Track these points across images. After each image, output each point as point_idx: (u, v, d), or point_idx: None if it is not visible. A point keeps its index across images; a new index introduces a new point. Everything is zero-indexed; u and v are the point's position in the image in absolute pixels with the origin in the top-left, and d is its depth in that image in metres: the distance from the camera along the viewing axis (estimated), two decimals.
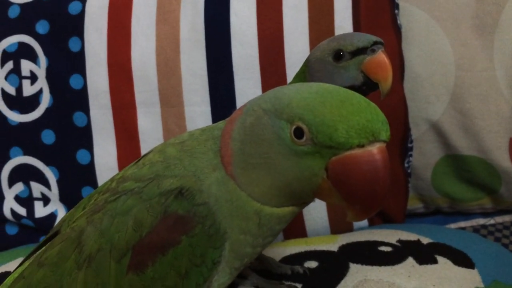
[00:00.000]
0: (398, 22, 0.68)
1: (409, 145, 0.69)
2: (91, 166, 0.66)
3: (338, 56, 0.45)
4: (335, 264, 0.53)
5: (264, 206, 0.36)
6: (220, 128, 0.39)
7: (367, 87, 0.46)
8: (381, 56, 0.45)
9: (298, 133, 0.32)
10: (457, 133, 0.73)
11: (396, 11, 0.68)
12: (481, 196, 0.77)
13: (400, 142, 0.67)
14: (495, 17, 0.71)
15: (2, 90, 0.67)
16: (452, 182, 0.76)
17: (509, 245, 0.76)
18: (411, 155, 0.71)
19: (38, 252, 0.41)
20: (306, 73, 0.48)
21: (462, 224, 0.80)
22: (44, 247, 0.41)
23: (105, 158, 0.66)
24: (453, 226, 0.81)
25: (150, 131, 0.65)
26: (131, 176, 0.39)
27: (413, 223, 0.80)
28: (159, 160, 0.39)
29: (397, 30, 0.67)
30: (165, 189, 0.37)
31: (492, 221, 0.79)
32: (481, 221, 0.80)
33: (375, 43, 0.45)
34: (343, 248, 0.57)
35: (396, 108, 0.66)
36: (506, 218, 0.79)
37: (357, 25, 0.64)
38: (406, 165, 0.69)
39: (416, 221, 0.83)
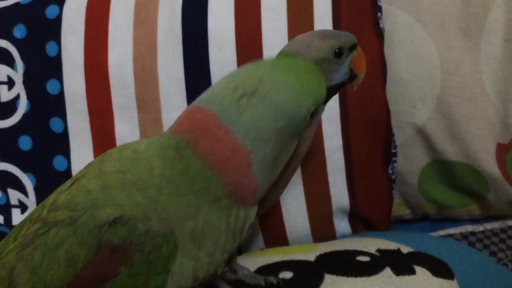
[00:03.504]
0: (381, 25, 0.67)
1: (393, 150, 0.68)
2: (68, 173, 0.65)
3: (340, 53, 0.46)
4: (310, 274, 0.52)
5: (249, 210, 0.36)
6: (176, 148, 0.35)
7: (349, 81, 0.48)
8: (361, 51, 0.48)
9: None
10: (443, 138, 0.71)
11: (379, 14, 0.67)
12: (468, 203, 0.76)
13: (383, 147, 0.66)
14: (482, 19, 0.69)
15: None
16: (439, 188, 0.75)
17: (497, 253, 0.75)
18: (395, 161, 0.69)
19: None
20: None
21: (451, 231, 0.79)
22: None
23: (82, 165, 0.64)
24: (441, 233, 0.79)
25: (127, 137, 0.64)
26: (64, 203, 0.36)
27: (398, 230, 0.79)
28: (96, 188, 0.36)
29: (379, 33, 0.65)
30: (101, 220, 0.34)
31: (481, 228, 0.78)
32: (470, 228, 0.78)
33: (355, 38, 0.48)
34: (320, 257, 0.56)
35: (378, 113, 0.64)
36: (495, 225, 0.77)
37: (337, 28, 0.62)
38: (390, 171, 0.68)
39: (403, 228, 0.81)
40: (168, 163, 0.35)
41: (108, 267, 0.33)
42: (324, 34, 0.47)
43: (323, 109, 0.49)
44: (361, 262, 0.54)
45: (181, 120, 0.36)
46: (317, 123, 0.49)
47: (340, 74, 0.47)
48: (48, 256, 0.34)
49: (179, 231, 0.35)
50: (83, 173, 0.39)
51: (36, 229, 0.36)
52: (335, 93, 0.49)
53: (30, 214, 0.40)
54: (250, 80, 0.35)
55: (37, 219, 0.37)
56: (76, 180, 0.38)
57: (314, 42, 0.46)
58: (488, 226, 0.78)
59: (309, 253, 0.57)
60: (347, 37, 0.47)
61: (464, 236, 0.78)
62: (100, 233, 0.34)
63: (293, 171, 0.51)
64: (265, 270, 0.54)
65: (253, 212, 0.38)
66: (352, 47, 0.47)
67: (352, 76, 0.48)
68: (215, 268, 0.38)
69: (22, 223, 0.40)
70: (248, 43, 0.62)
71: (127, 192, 0.35)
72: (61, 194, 0.38)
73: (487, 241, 0.76)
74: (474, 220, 0.79)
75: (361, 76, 0.48)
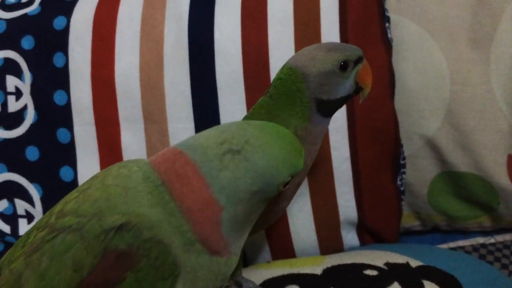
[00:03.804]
0: (389, 35, 0.66)
1: (402, 161, 0.67)
2: (74, 184, 0.65)
3: (345, 66, 0.46)
4: None
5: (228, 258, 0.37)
6: (155, 184, 0.36)
7: (354, 94, 0.48)
8: (367, 64, 0.48)
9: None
10: (453, 149, 0.70)
11: (387, 25, 0.66)
12: (479, 214, 0.74)
13: (391, 158, 0.65)
14: (491, 30, 0.68)
15: None
16: (449, 199, 0.74)
17: (509, 265, 0.74)
18: (404, 172, 0.68)
19: None
20: (304, 91, 0.46)
21: (461, 243, 0.78)
22: None
23: (88, 175, 0.64)
24: (452, 245, 0.78)
25: (133, 148, 0.64)
26: (71, 211, 0.37)
27: (408, 242, 0.78)
28: (101, 198, 0.37)
29: (387, 44, 0.65)
30: (108, 226, 0.35)
31: (492, 240, 0.76)
32: (481, 240, 0.77)
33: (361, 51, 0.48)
34: (327, 271, 0.55)
35: (386, 123, 0.63)
36: (506, 237, 0.76)
37: (345, 40, 0.62)
38: (399, 182, 0.67)
39: (413, 240, 0.80)
40: (150, 193, 0.36)
41: (114, 273, 0.34)
42: (329, 47, 0.46)
43: (329, 122, 0.49)
44: (368, 276, 0.53)
45: (162, 158, 0.37)
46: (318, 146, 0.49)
47: (345, 87, 0.46)
48: (55, 261, 0.35)
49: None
50: (88, 184, 0.40)
51: (44, 235, 0.37)
52: (341, 106, 0.48)
53: (38, 222, 0.40)
54: (237, 139, 0.36)
55: (45, 225, 0.38)
56: (82, 191, 0.39)
57: (319, 55, 0.46)
58: (499, 238, 0.76)
59: (316, 266, 0.56)
60: (352, 50, 0.46)
61: (475, 249, 0.77)
62: (107, 239, 0.34)
63: (299, 185, 0.50)
64: (270, 283, 0.53)
65: (234, 259, 0.38)
66: (358, 60, 0.47)
67: (358, 89, 0.48)
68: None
69: (30, 231, 0.40)
70: (255, 55, 0.62)
71: (129, 205, 0.36)
72: (68, 203, 0.38)
73: (498, 254, 0.75)
74: (485, 232, 0.77)
75: (367, 89, 0.48)
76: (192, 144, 0.37)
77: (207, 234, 0.36)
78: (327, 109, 0.47)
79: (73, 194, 0.40)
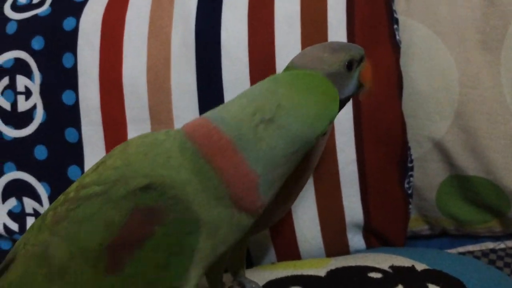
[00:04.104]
0: (397, 37, 0.65)
1: (409, 164, 0.67)
2: None
3: (350, 66, 0.46)
4: None
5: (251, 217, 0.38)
6: (193, 153, 0.37)
7: (356, 92, 0.48)
8: (369, 62, 0.48)
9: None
10: (462, 152, 0.70)
11: (396, 26, 0.66)
12: (489, 219, 0.73)
13: (398, 161, 0.64)
14: (502, 32, 0.67)
15: None
16: (457, 203, 0.73)
17: None
18: (411, 175, 0.68)
19: None
20: None
21: (470, 248, 0.77)
22: (3, 276, 0.39)
23: None
24: (461, 249, 0.77)
25: None
26: (92, 181, 0.38)
27: (415, 247, 0.77)
28: (122, 165, 0.38)
29: (395, 45, 0.64)
30: (133, 187, 0.36)
31: (502, 245, 0.75)
32: (491, 245, 0.76)
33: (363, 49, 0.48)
34: (331, 273, 0.54)
35: (393, 126, 0.63)
36: None
37: (352, 41, 0.62)
38: (406, 185, 0.67)
39: (421, 244, 0.80)
40: (185, 160, 0.37)
41: (143, 228, 0.35)
42: (333, 47, 0.46)
43: (333, 121, 0.49)
44: (372, 279, 0.52)
45: (197, 132, 0.38)
46: (327, 137, 0.48)
47: (350, 87, 0.47)
48: (84, 225, 0.36)
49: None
50: (105, 158, 0.41)
51: (67, 207, 0.37)
52: (343, 106, 0.48)
53: (52, 205, 0.41)
54: (268, 105, 0.36)
55: (63, 202, 0.39)
56: (101, 163, 0.40)
57: (325, 56, 0.45)
58: (510, 243, 0.75)
59: (320, 268, 0.56)
60: (356, 50, 0.46)
61: (484, 254, 0.76)
62: (134, 197, 0.35)
63: (301, 188, 0.50)
64: (274, 285, 0.53)
65: (253, 219, 0.40)
66: (361, 59, 0.47)
67: (359, 87, 0.48)
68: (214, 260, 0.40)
69: (44, 214, 0.40)
70: (261, 55, 0.62)
71: (151, 167, 0.37)
72: (85, 178, 0.39)
73: (508, 259, 0.74)
74: (495, 237, 0.76)
75: (367, 86, 0.48)
76: (224, 117, 0.37)
77: (244, 197, 0.37)
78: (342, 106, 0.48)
79: (89, 170, 0.41)
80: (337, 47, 0.46)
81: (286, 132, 0.36)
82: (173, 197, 0.36)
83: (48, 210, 0.41)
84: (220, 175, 0.36)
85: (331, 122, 0.38)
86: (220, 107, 0.39)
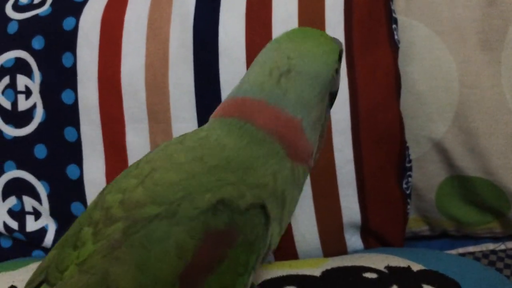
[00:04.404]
0: (396, 37, 0.65)
1: (407, 164, 0.66)
2: (80, 181, 0.66)
3: (340, 59, 0.47)
4: None
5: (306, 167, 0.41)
6: (238, 125, 0.38)
7: None
8: None
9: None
10: (462, 153, 0.69)
11: (394, 26, 0.65)
12: (489, 220, 0.73)
13: (396, 161, 0.64)
14: (502, 32, 0.67)
15: None
16: (457, 204, 0.73)
17: None
18: (410, 175, 0.67)
19: None
20: None
21: (471, 248, 0.76)
22: None
23: (94, 174, 0.65)
24: (461, 250, 0.77)
25: (137, 147, 0.64)
26: (146, 199, 0.35)
27: (415, 247, 0.76)
28: (181, 179, 0.36)
29: (393, 45, 0.64)
30: (202, 207, 0.35)
31: (502, 247, 0.75)
32: (491, 246, 0.75)
33: None
34: (326, 273, 0.54)
35: (391, 126, 0.63)
36: None
37: (350, 41, 0.62)
38: (404, 185, 0.66)
39: (421, 244, 0.79)
40: (235, 137, 0.38)
41: (216, 252, 0.34)
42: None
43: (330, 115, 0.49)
44: (367, 279, 0.52)
45: (225, 110, 0.40)
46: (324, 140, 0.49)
47: (339, 79, 0.47)
48: (154, 251, 0.33)
49: (267, 197, 0.37)
50: (148, 168, 0.38)
51: (123, 229, 0.35)
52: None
53: (83, 220, 0.38)
54: (279, 61, 0.39)
55: (107, 220, 0.36)
56: (146, 176, 0.38)
57: None
58: (510, 244, 0.75)
59: (316, 268, 0.56)
60: (340, 43, 0.46)
61: (485, 255, 0.75)
62: (206, 220, 0.34)
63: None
64: (269, 284, 0.53)
65: (309, 170, 0.41)
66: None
67: None
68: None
69: (76, 230, 0.38)
70: None
71: (216, 176, 0.36)
72: (131, 192, 0.37)
73: (508, 261, 0.73)
74: (495, 238, 0.76)
75: None
76: (244, 87, 0.39)
77: (296, 144, 0.38)
78: (333, 101, 0.48)
79: (128, 181, 0.38)
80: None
81: (305, 75, 0.38)
82: (244, 213, 0.35)
83: (80, 225, 0.38)
84: (268, 131, 0.37)
85: (340, 60, 0.41)
86: (238, 84, 0.41)
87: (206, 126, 0.41)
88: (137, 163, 0.41)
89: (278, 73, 0.38)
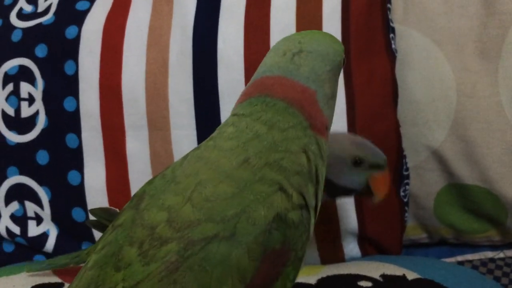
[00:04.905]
0: (393, 46, 0.66)
1: (405, 172, 0.67)
2: (81, 187, 0.67)
3: (358, 163, 0.51)
4: None
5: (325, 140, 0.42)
6: (259, 100, 0.40)
7: (363, 193, 0.52)
8: (387, 175, 0.52)
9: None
10: (459, 161, 0.70)
11: (392, 35, 0.66)
12: (487, 228, 0.73)
13: (394, 169, 0.65)
14: (499, 41, 0.67)
15: (3, 111, 0.69)
16: (455, 212, 0.73)
17: None
18: (407, 183, 0.68)
19: None
20: None
21: (469, 256, 0.76)
22: None
23: (94, 180, 0.66)
24: (459, 258, 0.77)
25: (137, 154, 0.65)
26: (199, 218, 0.34)
27: (413, 255, 0.77)
28: (234, 192, 0.35)
29: (391, 54, 0.65)
30: (260, 225, 0.34)
31: (501, 255, 0.75)
32: (490, 254, 0.75)
33: (385, 161, 0.53)
34: (321, 281, 0.55)
35: (388, 134, 0.63)
36: None
37: (347, 49, 0.62)
38: (402, 193, 0.67)
39: (420, 252, 0.79)
40: (260, 113, 0.39)
41: (273, 272, 0.34)
42: (359, 142, 0.51)
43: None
44: (362, 287, 0.53)
45: (246, 93, 0.42)
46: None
47: (351, 180, 0.50)
48: (215, 274, 0.32)
49: (305, 184, 0.38)
50: (195, 182, 0.36)
51: (177, 250, 0.33)
52: (343, 195, 0.52)
53: (121, 237, 0.36)
54: (292, 45, 0.43)
55: (156, 239, 0.34)
56: (193, 190, 0.36)
57: (344, 141, 0.52)
58: (509, 253, 0.75)
59: (311, 276, 0.56)
60: (376, 156, 0.51)
61: (483, 263, 0.75)
62: (264, 240, 0.34)
63: None
64: None
65: (326, 144, 0.43)
66: (375, 166, 0.51)
67: (367, 191, 0.51)
68: None
69: (116, 250, 0.35)
70: (257, 64, 0.61)
71: (267, 182, 0.36)
72: (177, 211, 0.35)
73: (506, 269, 0.74)
74: (494, 246, 0.76)
75: (378, 196, 0.52)
76: (263, 69, 0.42)
77: (313, 113, 0.40)
78: (331, 188, 0.51)
79: (170, 198, 0.36)
80: (361, 144, 0.51)
81: (316, 54, 0.42)
82: (294, 228, 0.35)
83: (119, 244, 0.36)
84: (288, 101, 0.39)
85: (343, 56, 0.44)
86: (257, 70, 0.43)
87: (229, 118, 0.42)
88: (172, 176, 0.38)
89: (291, 54, 0.41)
